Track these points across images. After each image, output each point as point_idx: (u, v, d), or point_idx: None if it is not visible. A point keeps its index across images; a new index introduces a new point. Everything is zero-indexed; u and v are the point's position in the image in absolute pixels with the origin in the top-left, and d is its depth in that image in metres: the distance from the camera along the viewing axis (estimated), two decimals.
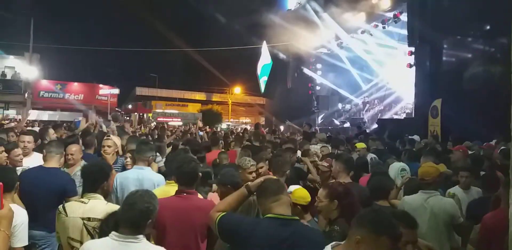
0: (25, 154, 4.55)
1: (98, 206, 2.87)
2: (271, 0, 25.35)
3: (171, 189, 3.21)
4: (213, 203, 3.16)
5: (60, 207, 2.94)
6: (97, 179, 2.99)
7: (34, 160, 4.41)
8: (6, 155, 4.05)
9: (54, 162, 3.88)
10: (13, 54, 29.68)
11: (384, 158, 6.19)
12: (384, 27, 16.81)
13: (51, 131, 6.51)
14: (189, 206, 2.97)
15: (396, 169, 5.54)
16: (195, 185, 3.15)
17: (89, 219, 2.82)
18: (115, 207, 2.85)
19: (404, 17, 14.94)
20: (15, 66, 29.73)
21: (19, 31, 27.80)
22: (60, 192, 3.56)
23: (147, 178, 3.89)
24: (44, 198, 3.53)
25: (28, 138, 4.80)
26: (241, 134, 11.96)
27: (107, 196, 3.11)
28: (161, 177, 3.96)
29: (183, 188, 3.05)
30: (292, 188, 3.17)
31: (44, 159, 3.94)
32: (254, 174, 3.94)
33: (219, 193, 3.45)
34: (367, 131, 16.04)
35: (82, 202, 2.91)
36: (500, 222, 2.72)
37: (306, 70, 23.68)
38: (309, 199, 3.07)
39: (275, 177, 2.92)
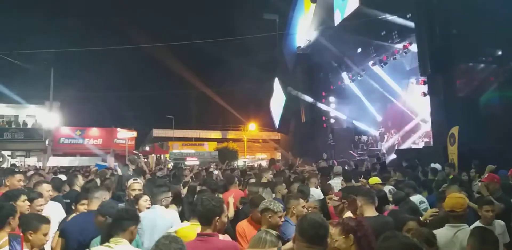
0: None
1: None
2: (281, 38, 26.04)
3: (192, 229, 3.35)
4: (235, 243, 3.16)
5: None
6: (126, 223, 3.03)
7: (47, 210, 4.29)
8: (29, 203, 3.98)
9: (95, 206, 3.93)
10: (34, 103, 30.66)
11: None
12: (394, 58, 16.94)
13: (80, 177, 6.45)
14: (211, 249, 2.94)
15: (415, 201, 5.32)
16: (213, 224, 3.08)
17: None
18: None
19: (413, 48, 15.04)
20: (36, 115, 30.65)
21: (40, 81, 28.88)
22: None
23: (159, 215, 4.23)
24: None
25: (46, 187, 4.77)
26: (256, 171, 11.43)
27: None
28: (174, 213, 4.43)
29: (203, 230, 3.07)
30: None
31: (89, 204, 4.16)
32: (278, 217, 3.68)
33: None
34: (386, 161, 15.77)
35: (109, 246, 2.87)
36: None
37: (319, 104, 23.79)
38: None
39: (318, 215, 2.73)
